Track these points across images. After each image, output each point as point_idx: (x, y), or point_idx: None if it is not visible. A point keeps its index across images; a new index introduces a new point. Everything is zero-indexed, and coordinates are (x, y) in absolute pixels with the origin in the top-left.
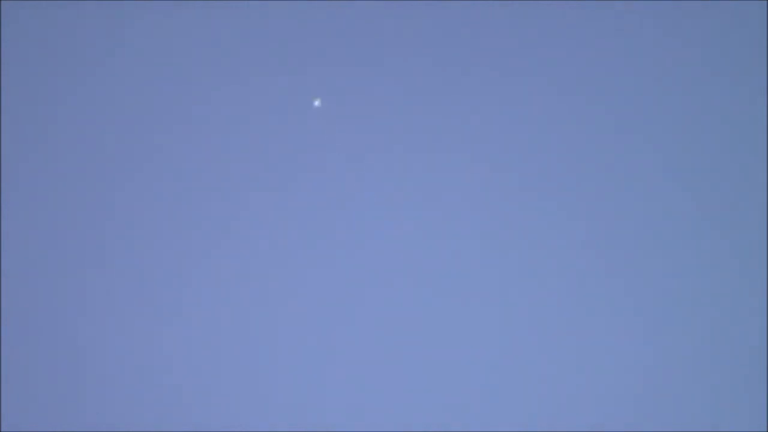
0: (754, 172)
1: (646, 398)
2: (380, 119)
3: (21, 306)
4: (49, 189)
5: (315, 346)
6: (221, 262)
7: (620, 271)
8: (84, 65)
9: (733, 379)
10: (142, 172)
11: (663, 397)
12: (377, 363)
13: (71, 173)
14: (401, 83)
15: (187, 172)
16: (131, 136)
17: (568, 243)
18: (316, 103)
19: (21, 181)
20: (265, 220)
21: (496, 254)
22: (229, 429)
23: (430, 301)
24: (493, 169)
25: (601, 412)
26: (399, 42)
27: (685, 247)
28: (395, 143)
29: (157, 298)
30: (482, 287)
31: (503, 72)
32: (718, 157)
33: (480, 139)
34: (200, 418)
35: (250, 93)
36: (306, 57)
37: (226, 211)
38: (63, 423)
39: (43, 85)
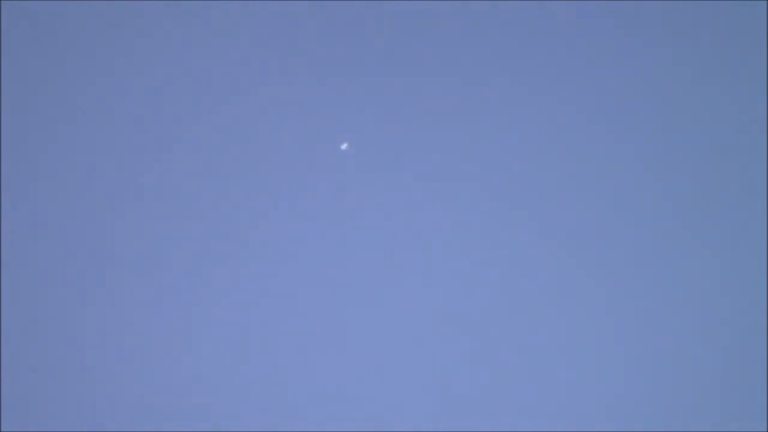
0: (754, 172)
1: (647, 398)
2: (381, 120)
3: (21, 306)
4: (50, 189)
5: (318, 348)
6: (223, 263)
7: (621, 272)
8: (90, 66)
9: (733, 379)
10: (140, 173)
11: (663, 398)
12: (378, 365)
13: (71, 173)
14: (402, 84)
15: (187, 171)
16: (132, 138)
17: (569, 242)
18: (344, 146)
19: (21, 181)
20: (265, 222)
21: (496, 255)
22: (229, 429)
23: (431, 304)
24: (492, 170)
25: (602, 412)
26: (397, 42)
27: (685, 247)
28: (395, 146)
29: (157, 298)
30: (482, 289)
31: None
32: (718, 157)
33: (479, 141)
34: (201, 418)
35: (252, 94)
36: (304, 57)
37: (226, 211)
38: (63, 423)
39: (43, 85)
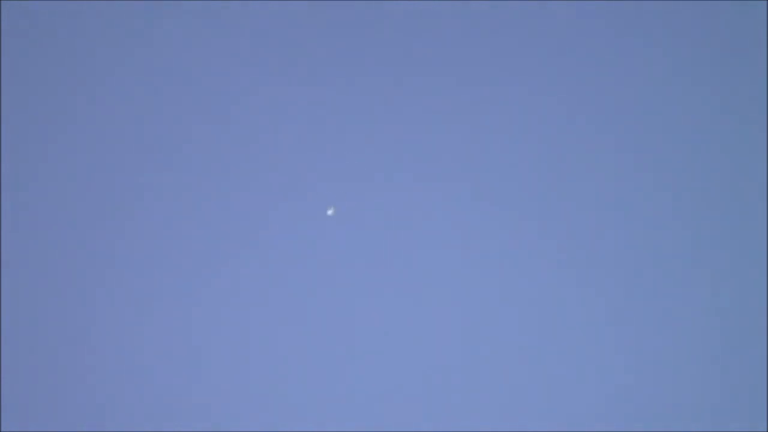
0: (754, 172)
1: (647, 398)
2: (381, 121)
3: (21, 306)
4: (50, 189)
5: (317, 349)
6: (223, 264)
7: (621, 273)
8: (90, 66)
9: (733, 379)
10: (140, 173)
11: (663, 398)
12: (378, 366)
13: (71, 173)
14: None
15: (188, 172)
16: (132, 138)
17: (568, 242)
18: (330, 212)
19: (22, 181)
20: (265, 222)
21: (496, 255)
22: (229, 429)
23: (431, 304)
24: (492, 171)
25: (602, 412)
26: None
27: (685, 247)
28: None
29: (158, 298)
30: (482, 290)
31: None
32: (718, 158)
33: (477, 144)
34: (201, 419)
35: (252, 94)
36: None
37: (227, 212)
38: (63, 423)
39: (43, 85)
